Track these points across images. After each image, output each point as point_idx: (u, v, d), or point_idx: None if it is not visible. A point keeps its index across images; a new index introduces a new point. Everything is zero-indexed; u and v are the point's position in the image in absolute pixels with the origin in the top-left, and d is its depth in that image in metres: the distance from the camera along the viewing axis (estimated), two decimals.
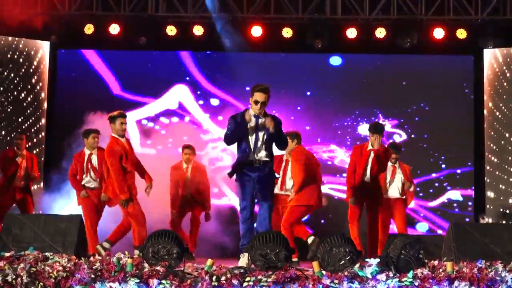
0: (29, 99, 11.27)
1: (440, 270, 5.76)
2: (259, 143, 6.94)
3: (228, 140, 7.06)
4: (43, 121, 11.35)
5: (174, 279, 5.27)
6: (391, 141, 10.43)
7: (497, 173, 11.17)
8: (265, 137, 6.94)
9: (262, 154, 6.94)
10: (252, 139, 6.93)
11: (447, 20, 11.15)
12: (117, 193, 7.99)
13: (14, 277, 5.31)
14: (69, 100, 11.33)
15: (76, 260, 6.17)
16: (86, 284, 5.25)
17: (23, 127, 11.12)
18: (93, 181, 8.89)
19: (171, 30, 11.16)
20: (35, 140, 11.09)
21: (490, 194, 11.17)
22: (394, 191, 9.29)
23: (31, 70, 11.32)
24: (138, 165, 8.34)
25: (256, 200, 7.05)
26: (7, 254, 6.47)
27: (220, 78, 11.65)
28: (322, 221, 11.25)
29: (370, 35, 11.15)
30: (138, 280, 5.23)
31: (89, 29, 11.08)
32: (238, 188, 7.04)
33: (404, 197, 9.37)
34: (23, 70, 11.25)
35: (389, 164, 9.07)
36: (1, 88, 11.04)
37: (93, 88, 11.50)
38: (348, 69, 11.64)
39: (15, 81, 11.14)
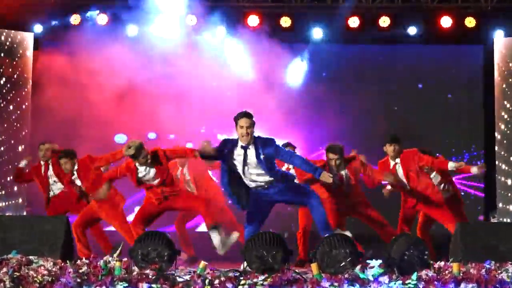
0: (11, 94, 10.87)
1: (446, 271, 5.62)
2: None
3: None
4: (28, 116, 10.99)
5: (165, 282, 5.14)
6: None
7: (507, 168, 10.91)
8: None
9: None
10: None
11: (455, 8, 10.95)
12: None
13: None
14: (53, 94, 10.91)
15: (62, 264, 6.04)
16: None
17: (7, 123, 10.81)
18: None
19: (161, 19, 10.71)
20: (20, 136, 10.77)
21: (501, 191, 10.92)
22: None
23: (14, 63, 10.94)
24: None
25: None
26: None
27: None
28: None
29: (373, 24, 10.94)
30: (126, 284, 5.12)
31: (75, 19, 10.81)
32: None
33: None
34: (5, 62, 10.85)
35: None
36: None
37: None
38: (351, 59, 11.36)
39: None
